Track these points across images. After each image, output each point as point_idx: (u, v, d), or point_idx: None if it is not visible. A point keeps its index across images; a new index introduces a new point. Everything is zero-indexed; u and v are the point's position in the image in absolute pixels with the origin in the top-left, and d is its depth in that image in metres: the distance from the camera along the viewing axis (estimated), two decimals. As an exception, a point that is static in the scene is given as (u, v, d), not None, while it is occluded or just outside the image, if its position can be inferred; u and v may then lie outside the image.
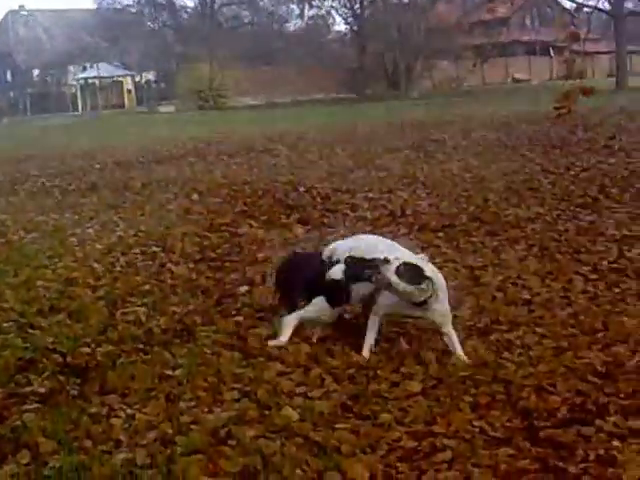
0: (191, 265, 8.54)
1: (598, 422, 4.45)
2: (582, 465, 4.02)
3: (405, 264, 5.37)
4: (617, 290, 7.01)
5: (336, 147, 19.83)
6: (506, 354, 5.57)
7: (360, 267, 5.58)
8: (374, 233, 7.88)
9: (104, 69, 65.63)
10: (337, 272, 5.71)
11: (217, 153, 20.11)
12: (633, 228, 9.20)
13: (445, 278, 5.79)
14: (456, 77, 63.95)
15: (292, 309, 6.12)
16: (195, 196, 12.99)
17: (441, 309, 5.62)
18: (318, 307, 5.89)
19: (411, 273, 5.36)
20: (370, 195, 12.28)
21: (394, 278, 5.33)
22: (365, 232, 8.47)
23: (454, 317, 5.86)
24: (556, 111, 21.12)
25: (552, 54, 66.06)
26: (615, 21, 52.44)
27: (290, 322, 5.92)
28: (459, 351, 5.59)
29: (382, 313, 5.80)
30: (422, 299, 5.47)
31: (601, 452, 4.11)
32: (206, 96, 54.33)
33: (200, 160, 18.65)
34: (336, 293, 5.82)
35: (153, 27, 69.12)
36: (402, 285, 5.35)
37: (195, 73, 54.34)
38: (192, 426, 4.59)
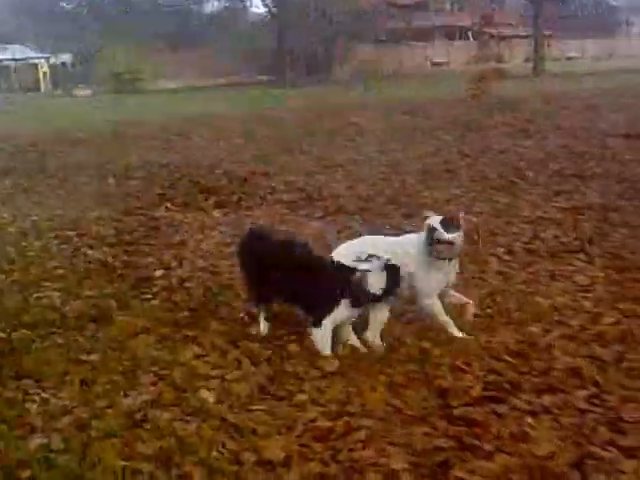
0: (106, 249, 8.45)
1: (512, 400, 4.53)
2: (496, 442, 4.08)
3: (444, 219, 5.50)
4: (531, 270, 7.13)
5: (255, 130, 19.80)
6: (422, 334, 5.61)
7: (395, 278, 5.45)
8: (290, 215, 7.91)
9: (18, 51, 64.20)
10: (376, 287, 5.38)
11: (135, 136, 19.88)
12: (547, 209, 9.37)
13: None
14: (375, 61, 64.21)
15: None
16: (111, 180, 12.85)
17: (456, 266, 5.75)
18: (348, 312, 5.45)
19: (451, 224, 5.48)
20: (288, 178, 12.29)
21: (447, 236, 5.44)
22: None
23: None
24: (470, 92, 21.46)
25: (471, 38, 66.71)
26: (533, 5, 53.00)
27: (326, 335, 5.39)
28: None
29: (435, 291, 5.74)
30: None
31: (514, 429, 4.18)
32: (124, 79, 53.40)
33: (117, 143, 18.42)
34: (361, 298, 5.45)
35: (68, 7, 67.91)
36: (451, 234, 5.47)
37: (113, 56, 53.36)
38: (107, 410, 4.56)
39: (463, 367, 4.95)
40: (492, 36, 63.89)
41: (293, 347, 5.45)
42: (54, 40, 63.38)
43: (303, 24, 58.45)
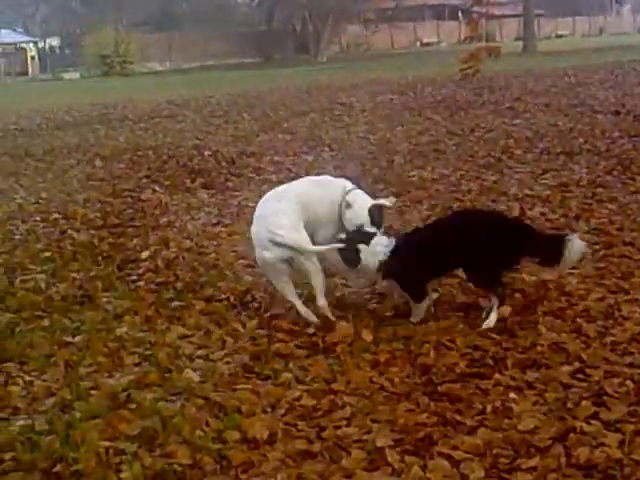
0: (93, 231, 8.43)
1: (496, 376, 4.51)
2: (479, 417, 4.07)
3: None
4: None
5: (242, 111, 19.76)
6: (408, 313, 5.60)
7: None
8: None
9: (6, 35, 63.92)
10: None
11: (122, 119, 19.84)
12: (535, 187, 9.33)
13: None
14: (365, 41, 64.15)
15: None
16: (98, 162, 12.84)
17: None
18: None
19: None
20: (275, 158, 12.28)
21: None
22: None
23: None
24: (461, 72, 21.32)
25: (460, 18, 66.56)
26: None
27: None
28: None
29: None
30: None
31: (497, 404, 4.17)
32: (112, 62, 53.30)
33: (104, 126, 18.37)
34: None
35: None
36: None
37: (100, 38, 53.13)
38: (91, 391, 4.56)
39: (447, 344, 4.94)
40: (482, 15, 63.75)
41: (278, 326, 5.44)
42: (43, 23, 63.12)
43: (292, 3, 58.34)
